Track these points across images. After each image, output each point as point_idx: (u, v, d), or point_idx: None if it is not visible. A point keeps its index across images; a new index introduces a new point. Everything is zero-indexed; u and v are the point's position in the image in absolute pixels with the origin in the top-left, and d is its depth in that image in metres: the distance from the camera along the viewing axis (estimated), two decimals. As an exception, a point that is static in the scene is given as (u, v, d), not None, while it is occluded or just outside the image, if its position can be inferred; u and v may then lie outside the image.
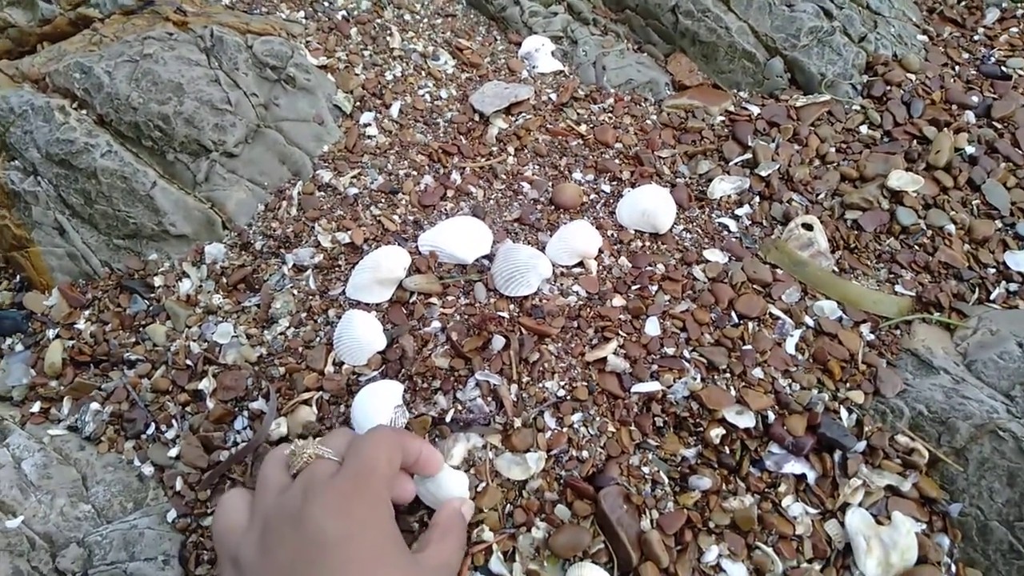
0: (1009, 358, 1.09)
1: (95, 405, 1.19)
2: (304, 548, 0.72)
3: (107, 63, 1.33)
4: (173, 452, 1.13)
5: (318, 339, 1.18)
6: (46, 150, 1.28)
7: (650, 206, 1.27)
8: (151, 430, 1.17)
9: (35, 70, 1.40)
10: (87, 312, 1.30)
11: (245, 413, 1.14)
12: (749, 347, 1.13)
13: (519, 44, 1.60)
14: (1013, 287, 1.22)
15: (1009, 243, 1.26)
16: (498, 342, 1.11)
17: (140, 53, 1.34)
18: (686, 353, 1.12)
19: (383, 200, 1.32)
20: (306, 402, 1.12)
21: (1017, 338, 1.11)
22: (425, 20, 1.63)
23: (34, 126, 1.29)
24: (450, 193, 1.34)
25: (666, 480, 1.05)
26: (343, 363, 1.14)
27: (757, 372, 1.10)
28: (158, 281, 1.29)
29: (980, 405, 1.05)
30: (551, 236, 1.26)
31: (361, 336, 1.14)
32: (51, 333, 1.28)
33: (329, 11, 1.59)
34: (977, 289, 1.22)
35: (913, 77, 1.48)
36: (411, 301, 1.18)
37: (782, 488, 1.04)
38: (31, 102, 1.31)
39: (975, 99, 1.45)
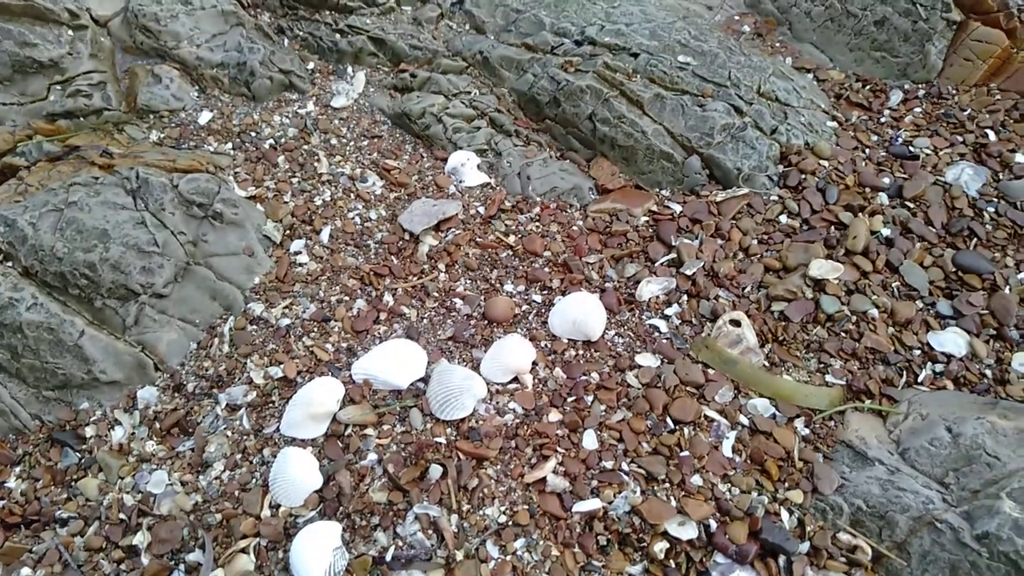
0: (940, 444, 1.11)
1: (26, 571, 1.15)
2: None
3: (31, 214, 1.34)
4: (108, 617, 1.10)
5: (254, 481, 1.16)
6: (-31, 308, 1.27)
7: (580, 315, 1.29)
8: (85, 593, 1.13)
9: (-40, 223, 1.40)
10: (17, 469, 1.27)
11: (181, 567, 1.12)
12: (686, 453, 1.14)
13: (445, 160, 1.64)
14: (939, 368, 1.25)
15: (931, 323, 1.30)
16: (435, 471, 1.11)
17: (65, 201, 1.36)
18: (624, 465, 1.13)
19: (315, 329, 1.33)
20: (243, 550, 1.10)
21: (946, 422, 1.14)
22: (351, 143, 1.68)
23: (-44, 285, 1.29)
24: (383, 316, 1.36)
25: (614, 602, 1.04)
26: (280, 505, 1.13)
27: (696, 479, 1.11)
28: (90, 431, 1.27)
29: (916, 496, 1.06)
30: (485, 352, 1.28)
31: (296, 476, 1.13)
32: (-21, 495, 1.25)
33: (256, 141, 1.63)
34: (905, 372, 1.25)
35: (826, 163, 1.55)
36: (346, 434, 1.17)
37: (731, 599, 1.03)
38: (-47, 260, 1.31)
39: (887, 180, 1.51)
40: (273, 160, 1.59)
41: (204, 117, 1.64)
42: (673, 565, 1.05)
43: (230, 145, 1.61)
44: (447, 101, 1.69)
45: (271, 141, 1.63)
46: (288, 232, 1.48)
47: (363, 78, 1.78)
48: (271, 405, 1.24)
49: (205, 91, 1.69)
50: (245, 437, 1.21)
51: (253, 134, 1.63)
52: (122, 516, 1.17)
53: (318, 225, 1.49)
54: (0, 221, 1.34)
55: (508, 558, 1.05)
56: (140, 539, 1.14)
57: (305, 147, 1.63)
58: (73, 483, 1.24)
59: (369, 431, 1.17)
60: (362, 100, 1.74)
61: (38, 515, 1.21)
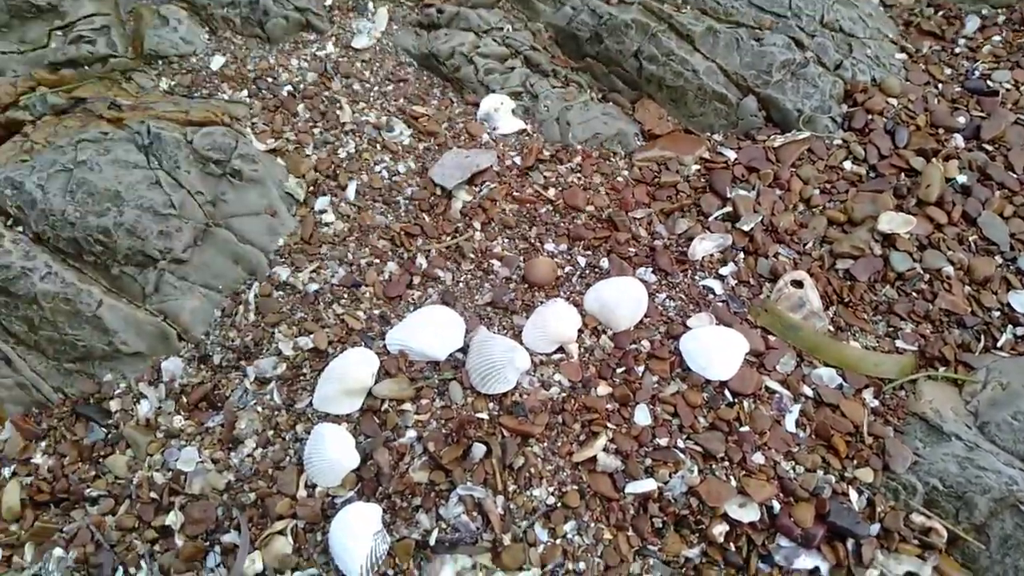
0: (1023, 418, 1.05)
1: (58, 551, 1.15)
2: None
3: (39, 175, 1.29)
4: (144, 600, 1.09)
5: (288, 459, 1.14)
6: (-18, 278, 1.24)
7: (611, 298, 1.22)
8: (120, 575, 1.13)
9: (-35, 185, 1.36)
10: (43, 444, 1.26)
11: (217, 548, 1.10)
12: (746, 429, 1.09)
13: (477, 105, 1.55)
14: (1020, 331, 1.18)
15: (1012, 281, 1.23)
16: (479, 449, 1.07)
17: (74, 160, 1.30)
18: (680, 442, 1.08)
19: (345, 295, 1.28)
20: (281, 532, 1.08)
21: (1030, 393, 1.08)
22: (376, 88, 1.59)
23: (-34, 253, 1.25)
24: (416, 280, 1.30)
25: (671, 586, 1.01)
26: (316, 485, 1.10)
27: (757, 457, 1.07)
28: (115, 405, 1.25)
29: (998, 476, 1.01)
30: (527, 319, 1.22)
31: (333, 455, 1.10)
32: (7, 471, 1.24)
33: (273, 87, 1.54)
34: (983, 336, 1.18)
35: (895, 102, 1.44)
36: (383, 409, 1.14)
37: (795, 584, 1.00)
38: (-39, 227, 1.27)
39: (962, 120, 1.41)
40: (292, 108, 1.51)
41: (217, 62, 1.56)
42: (733, 548, 1.02)
43: (245, 92, 1.53)
44: (478, 39, 1.59)
45: (289, 87, 1.54)
46: (312, 188, 1.42)
47: (385, 14, 1.67)
48: (302, 378, 1.20)
49: (216, 32, 1.60)
50: (276, 412, 1.18)
51: (270, 80, 1.55)
52: (153, 495, 1.16)
53: (343, 180, 1.42)
54: (7, 183, 1.28)
55: (558, 541, 1.03)
56: (173, 519, 1.13)
57: (326, 93, 1.54)
58: (101, 460, 1.22)
59: (407, 406, 1.13)
60: (385, 39, 1.64)
61: (67, 493, 1.20)
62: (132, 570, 1.13)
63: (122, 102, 1.43)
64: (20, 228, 1.29)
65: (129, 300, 1.29)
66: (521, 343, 1.19)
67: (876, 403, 1.13)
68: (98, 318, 1.25)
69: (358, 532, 1.03)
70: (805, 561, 1.00)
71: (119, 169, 1.30)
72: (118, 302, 1.27)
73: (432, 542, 1.03)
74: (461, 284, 1.30)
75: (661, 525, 1.04)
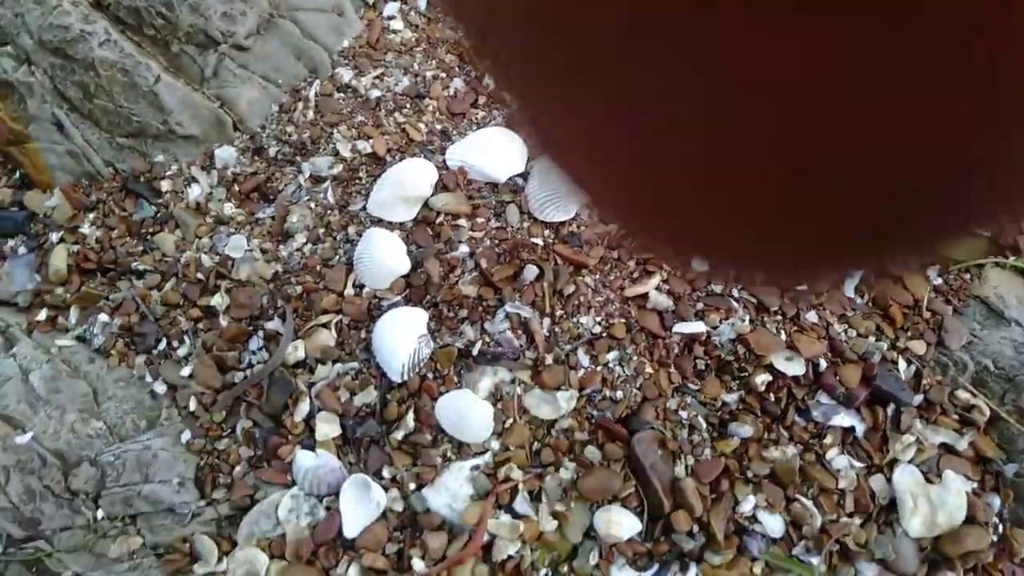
0: (1090, 313, 1.04)
1: (103, 316, 1.17)
2: None
3: (103, -64, 1.23)
4: (186, 371, 1.12)
5: (337, 258, 1.14)
6: (39, 36, 1.21)
7: None
8: (162, 345, 1.16)
9: (25, -60, 1.31)
10: (91, 215, 1.26)
11: (260, 333, 1.12)
12: (804, 287, 1.08)
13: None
14: (1101, 231, 1.15)
15: (1102, 180, 1.18)
16: (531, 272, 1.07)
17: (140, -75, 1.24)
18: (735, 291, 1.08)
19: (408, 105, 1.25)
20: (324, 325, 1.10)
21: (1100, 290, 1.06)
22: None
23: (25, 8, 1.21)
24: (482, 100, 1.27)
25: (704, 425, 1.03)
26: (364, 286, 1.11)
27: (811, 316, 1.06)
28: (165, 186, 1.25)
29: (1053, 364, 1.00)
30: (592, 153, 1.20)
31: (383, 258, 1.10)
32: (54, 236, 1.25)
33: None
34: (1060, 231, 1.15)
35: None
36: (437, 221, 1.13)
37: (828, 440, 1.01)
38: (21, -20, 1.22)
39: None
40: (369, -97, 1.44)
41: None
42: (773, 399, 1.03)
43: None
44: None
45: None
46: (382, -8, 1.36)
47: None
48: (358, 181, 1.19)
49: None
50: (329, 211, 1.18)
51: None
52: (200, 276, 1.17)
53: (416, -12, 1.37)
54: (70, -60, 1.24)
55: (599, 368, 1.04)
56: (218, 301, 1.15)
57: None
58: (149, 236, 1.23)
59: (462, 222, 1.12)
60: None
61: (114, 264, 1.22)
62: (175, 343, 1.15)
63: None
64: (80, -9, 1.25)
65: (187, 81, 1.26)
66: (584, 175, 1.17)
67: (939, 281, 1.11)
68: (154, 94, 1.22)
69: (403, 333, 1.05)
70: (843, 419, 1.01)
71: (187, -60, 1.25)
72: (176, 81, 1.25)
73: (475, 353, 1.05)
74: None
75: (704, 367, 1.05)
